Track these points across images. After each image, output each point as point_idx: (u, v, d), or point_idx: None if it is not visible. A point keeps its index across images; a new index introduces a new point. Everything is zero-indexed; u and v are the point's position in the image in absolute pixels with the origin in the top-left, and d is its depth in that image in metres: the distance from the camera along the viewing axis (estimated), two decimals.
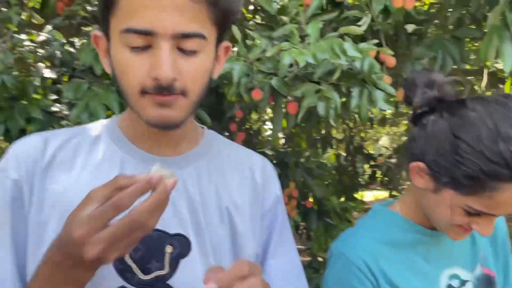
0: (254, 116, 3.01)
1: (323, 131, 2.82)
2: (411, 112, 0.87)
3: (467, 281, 0.89)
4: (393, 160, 3.58)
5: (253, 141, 2.14)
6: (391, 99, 1.52)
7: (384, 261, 0.85)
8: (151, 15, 0.59)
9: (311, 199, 2.44)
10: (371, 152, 4.18)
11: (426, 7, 2.13)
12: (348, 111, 1.53)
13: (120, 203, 0.52)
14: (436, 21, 1.86)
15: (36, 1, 2.31)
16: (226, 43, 0.73)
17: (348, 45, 1.39)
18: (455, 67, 1.70)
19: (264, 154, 2.14)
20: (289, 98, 1.59)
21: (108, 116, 1.62)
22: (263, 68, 1.55)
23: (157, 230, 0.68)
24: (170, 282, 0.68)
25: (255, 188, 0.79)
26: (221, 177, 0.77)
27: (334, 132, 4.56)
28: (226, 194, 0.75)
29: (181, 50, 0.62)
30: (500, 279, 0.94)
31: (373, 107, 1.50)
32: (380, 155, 3.84)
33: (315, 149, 2.86)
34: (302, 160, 2.43)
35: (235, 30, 1.57)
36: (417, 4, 2.09)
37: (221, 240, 0.73)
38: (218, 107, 2.03)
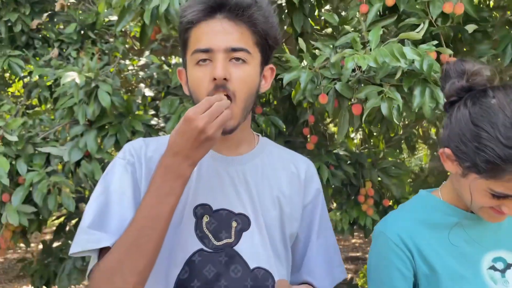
0: (327, 120, 3.13)
1: (400, 131, 2.83)
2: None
3: None
4: None
5: (326, 143, 2.27)
6: None
7: (421, 240, 0.90)
8: (209, 38, 0.87)
9: (389, 199, 2.48)
10: None
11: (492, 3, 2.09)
12: (411, 110, 1.60)
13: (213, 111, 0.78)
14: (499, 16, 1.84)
15: (136, 31, 2.69)
16: (271, 66, 0.96)
17: (407, 49, 1.49)
18: None
19: (337, 155, 2.26)
20: (353, 100, 1.70)
21: None
22: (328, 74, 1.69)
23: (226, 209, 0.93)
24: (235, 248, 0.92)
25: (299, 182, 1.01)
26: (273, 173, 0.99)
27: (433, 131, 4.46)
28: (276, 185, 0.98)
29: (232, 61, 0.87)
30: None
31: (435, 104, 1.56)
32: None
33: (397, 150, 2.89)
34: (379, 161, 2.49)
35: (300, 41, 1.73)
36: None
37: (273, 220, 0.96)
38: (292, 114, 2.20)
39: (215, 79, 0.85)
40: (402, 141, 3.71)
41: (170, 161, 0.80)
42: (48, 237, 6.30)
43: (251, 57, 0.88)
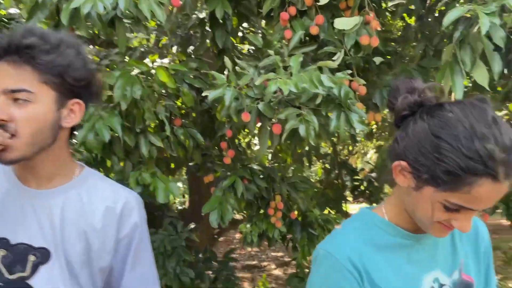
0: (242, 135, 3.21)
1: (306, 148, 3.02)
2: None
3: (444, 285, 0.92)
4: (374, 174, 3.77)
5: (241, 157, 2.33)
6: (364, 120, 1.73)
7: (368, 261, 0.88)
8: None
9: (296, 211, 2.62)
10: (356, 166, 4.38)
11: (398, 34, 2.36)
12: (328, 132, 1.74)
13: None
14: (403, 51, 2.09)
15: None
16: (76, 100, 0.99)
17: (324, 77, 1.62)
18: None
19: (251, 169, 2.34)
20: (274, 120, 1.79)
21: (112, 137, 1.81)
22: (251, 93, 1.76)
23: (24, 243, 0.96)
24: (29, 281, 0.95)
25: (115, 216, 1.03)
26: (87, 206, 1.02)
27: (323, 145, 4.77)
28: (86, 219, 1.01)
29: (18, 101, 0.90)
30: (479, 285, 0.98)
31: (349, 127, 1.72)
32: (362, 169, 4.03)
33: (300, 164, 3.05)
34: (287, 175, 2.62)
35: (226, 60, 1.78)
36: (387, 33, 2.32)
37: (76, 254, 0.99)
38: (210, 127, 2.23)
39: None
40: (304, 156, 3.95)
41: None
42: None
43: (34, 96, 0.91)
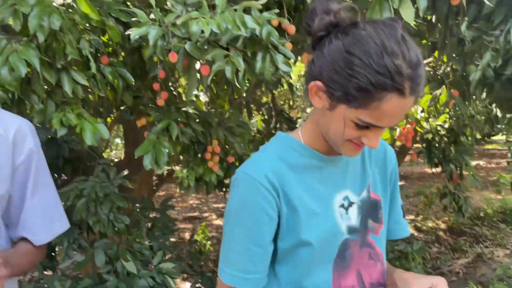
0: (181, 78, 3.10)
1: (244, 94, 2.98)
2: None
3: (354, 202, 0.99)
4: None
5: (176, 101, 2.25)
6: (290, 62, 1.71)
7: (284, 180, 0.92)
8: None
9: (233, 156, 2.61)
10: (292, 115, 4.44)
11: None
12: (254, 74, 1.70)
13: None
14: None
15: None
16: None
17: (248, 18, 1.56)
18: None
19: (187, 113, 2.27)
20: (202, 61, 1.72)
21: (30, 74, 1.66)
22: (178, 32, 1.67)
23: None
24: None
25: (7, 143, 1.02)
26: None
27: (264, 99, 4.77)
28: None
29: None
30: (386, 204, 1.07)
31: (275, 69, 1.69)
32: (299, 117, 4.09)
33: (238, 111, 3.03)
34: (224, 121, 2.58)
35: None
36: None
37: None
38: (141, 67, 2.11)
39: None
40: (242, 106, 3.92)
41: None
42: None
43: None
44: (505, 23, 1.85)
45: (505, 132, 5.21)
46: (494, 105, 3.32)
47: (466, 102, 2.98)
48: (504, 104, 2.82)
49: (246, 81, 1.77)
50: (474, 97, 2.67)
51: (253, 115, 4.68)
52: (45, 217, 1.10)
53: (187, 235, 5.93)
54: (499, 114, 3.97)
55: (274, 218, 0.92)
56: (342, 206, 0.98)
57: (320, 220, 0.94)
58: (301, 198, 0.93)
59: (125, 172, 2.43)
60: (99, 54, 1.86)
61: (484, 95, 2.80)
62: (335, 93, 0.85)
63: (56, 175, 2.77)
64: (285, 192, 0.92)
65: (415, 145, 5.29)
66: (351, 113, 0.84)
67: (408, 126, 2.79)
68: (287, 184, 0.92)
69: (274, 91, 4.35)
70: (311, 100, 0.91)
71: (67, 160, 2.74)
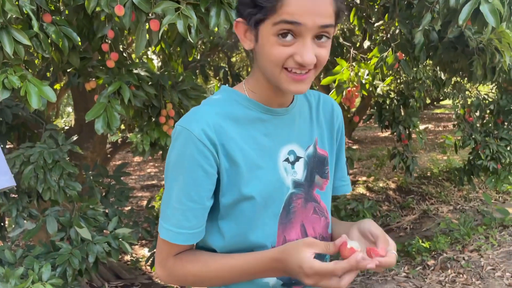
0: (127, 39, 2.99)
1: (198, 56, 2.93)
2: None
3: (300, 157, 0.99)
4: None
5: (127, 62, 2.18)
6: None
7: (224, 134, 0.90)
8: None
9: None
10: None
11: None
12: (208, 31, 1.67)
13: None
14: None
15: None
16: None
17: None
18: None
19: (138, 75, 2.21)
20: (151, 15, 1.66)
21: None
22: None
23: None
24: None
25: None
26: None
27: (222, 65, 4.71)
28: None
29: None
30: (332, 159, 1.07)
31: (229, 26, 1.66)
32: None
33: (192, 74, 2.98)
34: (179, 84, 2.54)
35: None
36: None
37: None
38: (88, 27, 2.02)
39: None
40: (197, 69, 3.86)
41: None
42: None
43: None
44: None
45: (452, 97, 5.45)
46: (438, 68, 3.45)
47: (414, 67, 3.08)
48: (447, 66, 2.94)
49: (201, 43, 1.73)
50: (419, 60, 2.76)
51: (210, 79, 4.63)
52: None
53: (145, 203, 5.90)
54: (443, 77, 4.15)
55: (212, 173, 0.90)
56: (287, 160, 0.98)
57: (263, 173, 0.93)
58: (244, 151, 0.92)
59: (75, 138, 2.36)
60: (41, 12, 1.76)
61: (429, 59, 2.91)
62: (251, 17, 0.86)
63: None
64: (225, 146, 0.90)
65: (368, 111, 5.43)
66: (269, 26, 0.84)
67: (353, 89, 2.86)
68: (227, 138, 0.91)
69: (231, 56, 4.30)
70: (243, 45, 0.91)
71: (11, 127, 2.62)
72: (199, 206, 0.91)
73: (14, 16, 1.56)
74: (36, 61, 1.96)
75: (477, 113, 4.17)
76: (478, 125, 4.21)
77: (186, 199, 0.90)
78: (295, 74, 0.87)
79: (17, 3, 1.59)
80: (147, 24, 1.71)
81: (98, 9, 1.67)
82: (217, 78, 4.61)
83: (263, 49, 0.87)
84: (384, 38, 3.42)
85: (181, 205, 0.91)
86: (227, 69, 4.26)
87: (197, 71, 3.77)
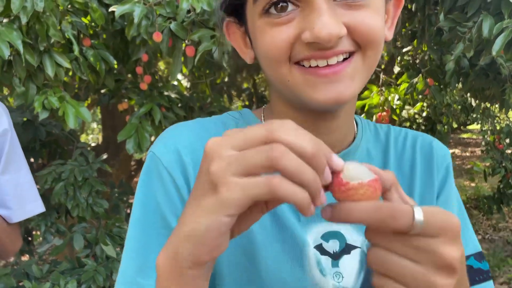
0: (162, 63, 3.07)
1: (226, 79, 2.99)
2: None
3: (353, 246, 0.60)
4: None
5: (158, 85, 2.24)
6: None
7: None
8: None
9: None
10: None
11: None
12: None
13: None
14: None
15: None
16: None
17: None
18: None
19: (169, 97, 2.26)
20: (187, 42, 1.72)
21: (12, 56, 1.62)
22: (163, 12, 1.66)
23: None
24: None
25: None
26: None
27: (245, 85, 4.79)
28: None
29: None
30: None
31: None
32: None
33: (219, 95, 3.03)
34: (207, 105, 2.58)
35: None
36: None
37: None
38: (124, 50, 2.08)
39: None
40: (223, 91, 3.92)
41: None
42: None
43: None
44: (477, 15, 1.91)
45: (479, 121, 5.37)
46: (469, 94, 3.42)
47: (442, 92, 3.06)
48: (478, 93, 2.91)
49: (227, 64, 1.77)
50: (449, 86, 2.75)
51: (234, 100, 4.69)
52: (17, 195, 1.13)
53: None
54: (473, 103, 4.09)
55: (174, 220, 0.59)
56: (320, 249, 0.58)
57: (274, 272, 0.57)
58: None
59: (104, 156, 2.42)
60: (81, 36, 1.83)
61: (460, 85, 2.89)
62: (229, 8, 0.62)
63: (32, 159, 2.73)
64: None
65: None
66: (250, 7, 0.57)
67: (384, 113, 2.85)
68: None
69: (255, 77, 4.36)
70: (245, 60, 0.67)
71: (43, 144, 2.70)
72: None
73: (56, 40, 1.63)
74: (68, 79, 2.03)
75: (507, 140, 4.08)
76: (508, 152, 4.12)
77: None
78: (316, 68, 0.52)
79: (59, 27, 1.66)
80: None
81: (135, 34, 1.73)
82: (241, 99, 4.67)
83: (257, 48, 0.58)
84: (411, 62, 3.42)
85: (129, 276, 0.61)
86: (251, 90, 4.31)
87: (224, 93, 3.83)
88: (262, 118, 0.68)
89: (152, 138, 2.07)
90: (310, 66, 0.52)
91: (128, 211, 2.98)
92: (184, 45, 1.68)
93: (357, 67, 0.52)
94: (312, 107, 0.55)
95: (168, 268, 0.44)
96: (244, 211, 0.40)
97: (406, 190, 0.64)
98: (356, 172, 0.40)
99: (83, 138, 7.47)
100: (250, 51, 0.63)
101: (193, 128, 0.65)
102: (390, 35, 0.60)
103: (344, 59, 0.52)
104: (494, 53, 1.64)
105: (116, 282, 0.61)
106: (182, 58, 1.73)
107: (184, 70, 1.94)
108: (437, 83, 2.87)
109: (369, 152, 0.67)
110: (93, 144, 4.82)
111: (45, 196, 2.46)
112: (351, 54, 0.52)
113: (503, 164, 3.89)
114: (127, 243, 0.62)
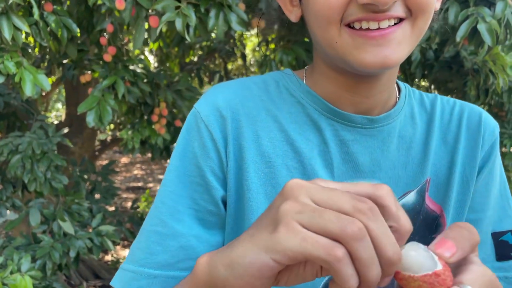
0: (130, 36, 2.98)
1: (194, 58, 2.94)
2: None
3: None
4: None
5: (123, 58, 2.18)
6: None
7: (250, 131, 0.63)
8: None
9: (180, 120, 2.58)
10: None
11: None
12: (206, 31, 1.68)
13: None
14: None
15: None
16: None
17: None
18: None
19: (134, 72, 2.21)
20: (151, 12, 1.67)
21: None
22: None
23: None
24: None
25: None
26: None
27: (216, 68, 4.73)
28: None
29: None
30: (458, 219, 0.63)
31: (227, 28, 1.68)
32: None
33: (188, 75, 2.98)
34: (174, 83, 2.54)
35: None
36: None
37: None
38: (88, 20, 2.01)
39: None
40: (193, 72, 3.86)
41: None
42: None
43: None
44: (444, 2, 1.92)
45: None
46: (432, 86, 3.51)
47: (407, 83, 3.11)
48: (441, 85, 2.99)
49: (198, 46, 1.74)
50: (414, 77, 2.80)
51: (204, 84, 4.63)
52: None
53: (129, 205, 5.85)
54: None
55: (216, 182, 0.63)
56: None
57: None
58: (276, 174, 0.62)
59: (65, 130, 2.34)
60: (42, 1, 1.75)
61: (424, 78, 2.96)
62: None
63: None
64: (243, 148, 0.62)
65: None
66: None
67: None
68: (252, 140, 0.63)
69: (227, 62, 4.32)
70: (289, 17, 0.64)
71: (1, 115, 2.59)
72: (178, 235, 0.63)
73: (15, 2, 1.55)
74: (32, 45, 1.95)
75: None
76: None
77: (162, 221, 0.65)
78: (367, 30, 0.52)
79: None
80: (146, 22, 1.71)
81: (99, 2, 1.67)
82: (211, 83, 4.62)
83: (308, 6, 0.56)
84: None
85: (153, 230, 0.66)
86: (222, 75, 4.26)
87: (193, 74, 3.77)
88: (304, 78, 0.68)
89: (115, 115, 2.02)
90: (360, 28, 0.53)
91: (89, 188, 2.91)
92: (147, 14, 1.64)
93: (406, 34, 0.53)
94: (357, 70, 0.56)
95: (204, 277, 0.46)
96: (297, 265, 0.39)
97: (448, 161, 0.65)
98: (412, 262, 0.36)
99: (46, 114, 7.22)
100: (296, 9, 0.62)
101: (234, 86, 0.67)
102: (438, 5, 0.61)
103: (395, 24, 0.53)
104: (458, 39, 1.68)
105: (144, 223, 0.65)
106: (146, 26, 1.68)
107: (152, 45, 1.89)
108: (402, 75, 2.93)
109: (414, 117, 0.67)
110: (56, 122, 4.67)
111: (1, 169, 2.37)
112: (401, 20, 0.53)
113: None
114: (161, 189, 0.65)
